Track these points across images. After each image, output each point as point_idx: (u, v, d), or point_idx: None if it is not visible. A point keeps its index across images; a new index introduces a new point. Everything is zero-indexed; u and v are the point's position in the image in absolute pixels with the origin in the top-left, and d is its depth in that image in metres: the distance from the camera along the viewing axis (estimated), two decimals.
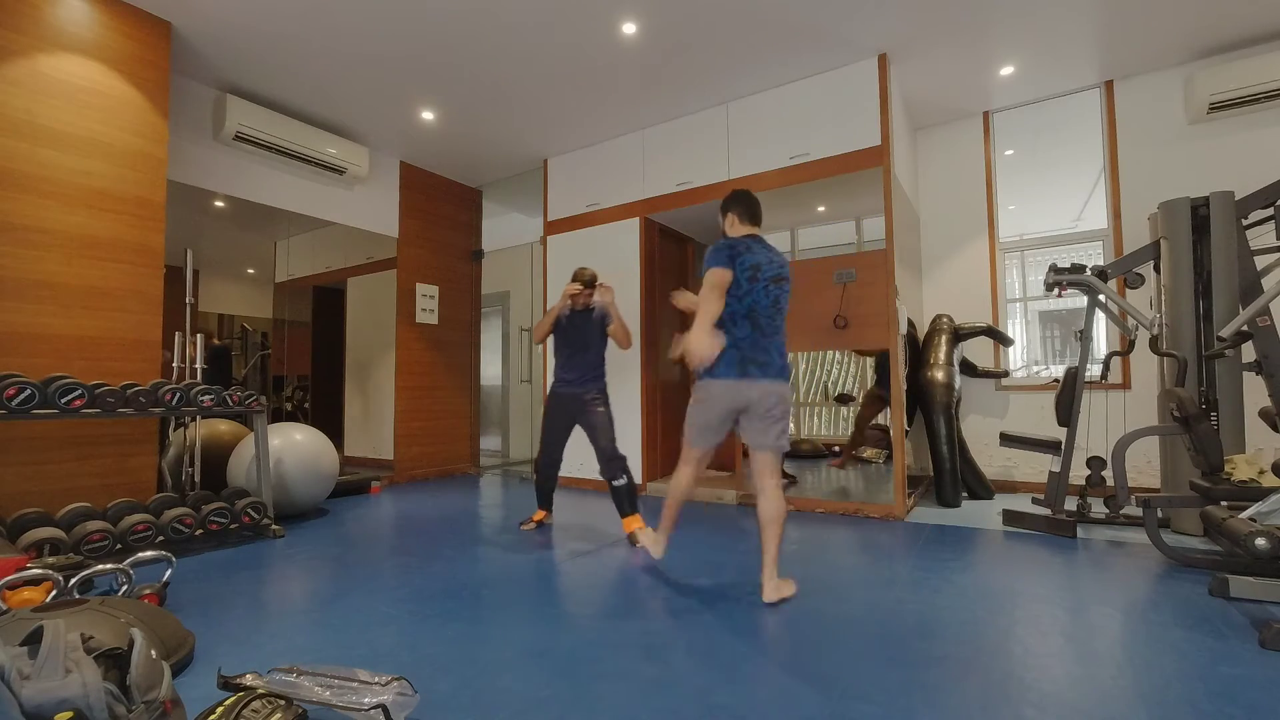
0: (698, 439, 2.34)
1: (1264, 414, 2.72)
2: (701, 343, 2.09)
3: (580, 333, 3.26)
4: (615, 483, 3.09)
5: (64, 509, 2.65)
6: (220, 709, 1.16)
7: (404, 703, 1.37)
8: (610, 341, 3.30)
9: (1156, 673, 1.59)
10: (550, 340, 3.39)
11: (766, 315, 2.22)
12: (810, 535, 3.17)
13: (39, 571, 1.84)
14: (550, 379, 3.37)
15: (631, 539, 3.01)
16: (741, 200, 2.36)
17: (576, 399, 3.24)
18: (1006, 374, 4.33)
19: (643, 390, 4.60)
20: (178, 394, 2.89)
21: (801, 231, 4.03)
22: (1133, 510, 3.38)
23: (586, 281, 3.19)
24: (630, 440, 4.62)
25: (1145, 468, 3.85)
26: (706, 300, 2.15)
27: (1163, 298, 3.17)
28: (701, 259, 5.64)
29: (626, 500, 3.09)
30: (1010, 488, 4.29)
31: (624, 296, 4.68)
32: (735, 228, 2.35)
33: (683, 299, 2.46)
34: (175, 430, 3.66)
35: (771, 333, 2.23)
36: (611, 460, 3.11)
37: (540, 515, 3.47)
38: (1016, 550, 2.82)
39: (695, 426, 2.32)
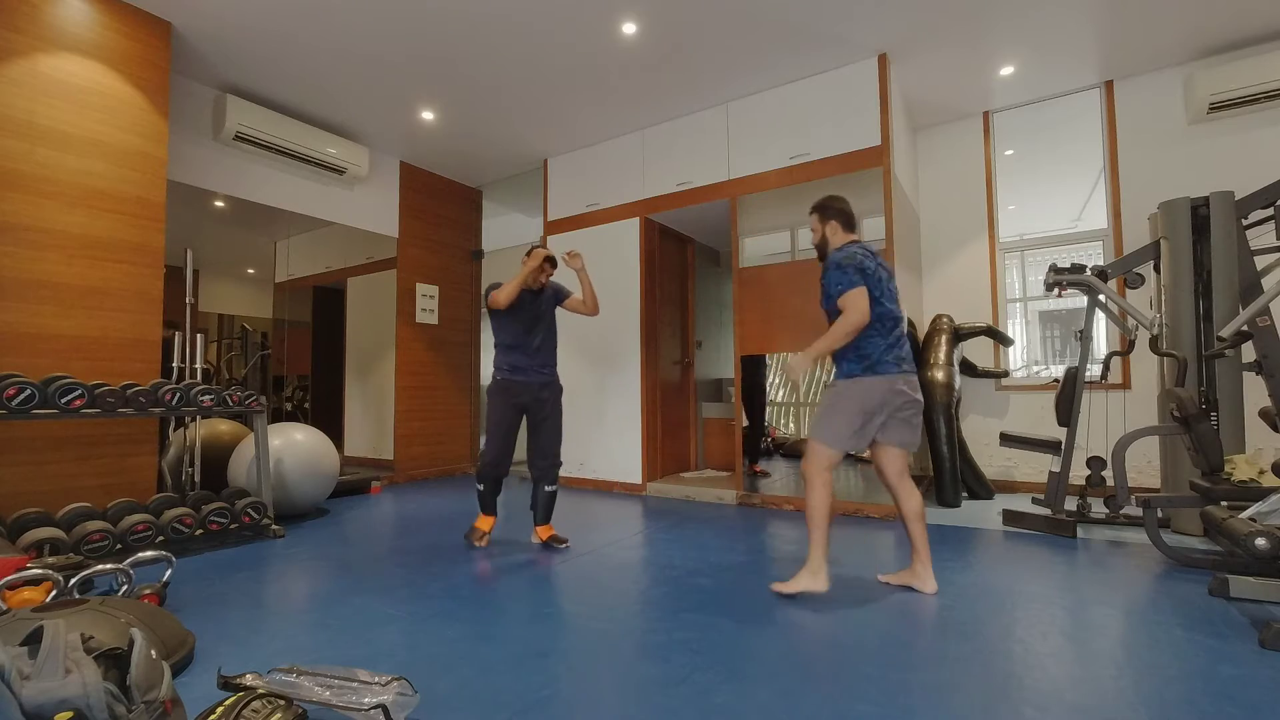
0: (846, 441, 2.22)
1: (1264, 414, 2.72)
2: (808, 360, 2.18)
3: (537, 314, 2.98)
4: (550, 487, 2.99)
5: (64, 509, 2.65)
6: (220, 709, 1.16)
7: (404, 703, 1.37)
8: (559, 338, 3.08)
9: (1156, 673, 1.59)
10: (496, 323, 2.99)
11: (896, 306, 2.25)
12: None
13: (39, 571, 1.84)
14: (492, 368, 3.01)
15: (554, 541, 2.97)
16: (838, 208, 2.37)
17: (534, 389, 2.95)
18: (1006, 374, 4.32)
19: (642, 390, 4.59)
20: (178, 394, 2.89)
21: (802, 231, 4.03)
22: (1133, 510, 3.38)
23: (549, 259, 2.95)
24: (630, 441, 4.61)
25: (1145, 468, 3.85)
26: (844, 327, 2.16)
27: (1163, 298, 3.17)
28: (701, 259, 5.65)
29: (549, 508, 3.01)
30: (1010, 488, 4.29)
31: (624, 296, 4.68)
32: (839, 235, 2.35)
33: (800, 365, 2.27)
34: (175, 430, 3.66)
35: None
36: (556, 465, 3.01)
37: (490, 523, 3.07)
38: (1016, 550, 2.82)
39: (846, 428, 2.21)
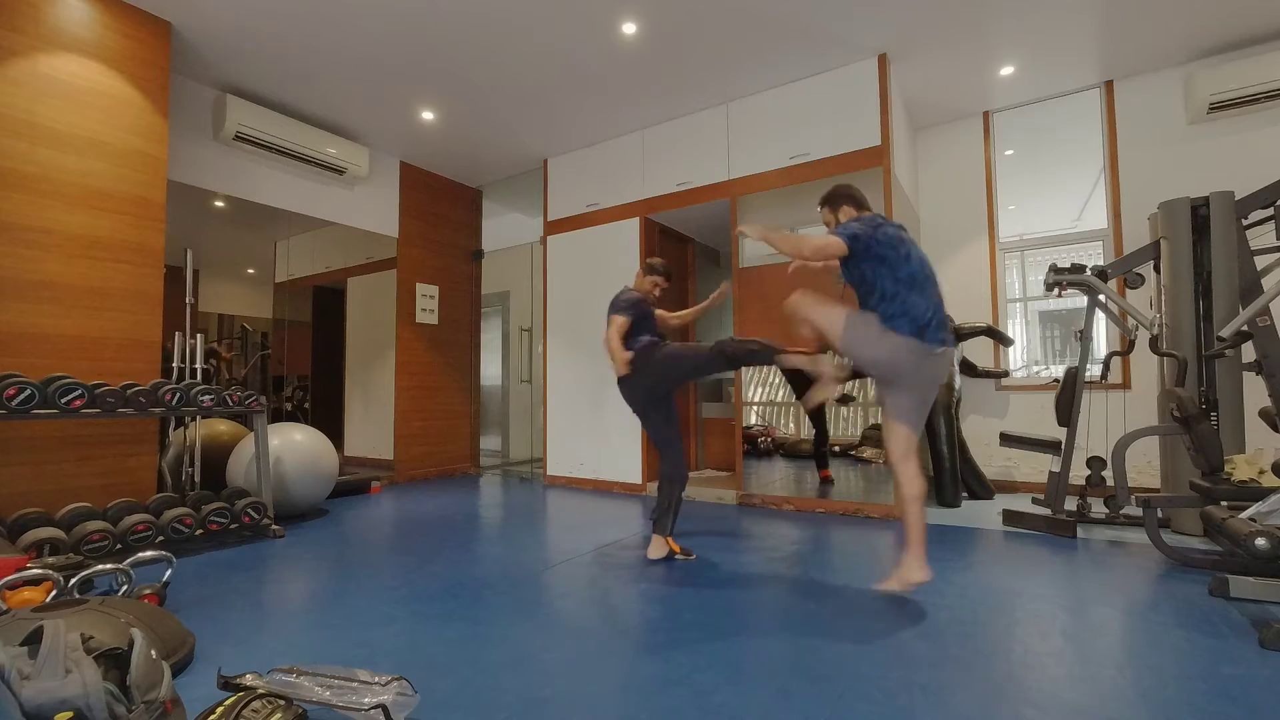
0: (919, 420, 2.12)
1: (1264, 414, 2.72)
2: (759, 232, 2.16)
3: (653, 320, 3.00)
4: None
5: (64, 509, 2.65)
6: (220, 709, 1.16)
7: (404, 703, 1.37)
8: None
9: (1156, 673, 1.59)
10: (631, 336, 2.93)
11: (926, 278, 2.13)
12: (810, 535, 3.17)
13: (39, 571, 1.84)
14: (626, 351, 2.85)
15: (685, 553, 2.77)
16: (844, 194, 2.30)
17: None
18: (1006, 374, 4.32)
19: None
20: (178, 394, 2.89)
21: (802, 231, 4.03)
22: (1133, 510, 3.38)
23: (665, 272, 3.09)
24: (630, 441, 4.61)
25: (1145, 468, 3.85)
26: (806, 241, 2.11)
27: (1163, 298, 3.17)
28: (701, 259, 5.64)
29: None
30: (1010, 488, 4.29)
31: None
32: (853, 217, 2.27)
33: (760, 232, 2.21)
34: (175, 430, 3.66)
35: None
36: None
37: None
38: (1016, 550, 2.82)
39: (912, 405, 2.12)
